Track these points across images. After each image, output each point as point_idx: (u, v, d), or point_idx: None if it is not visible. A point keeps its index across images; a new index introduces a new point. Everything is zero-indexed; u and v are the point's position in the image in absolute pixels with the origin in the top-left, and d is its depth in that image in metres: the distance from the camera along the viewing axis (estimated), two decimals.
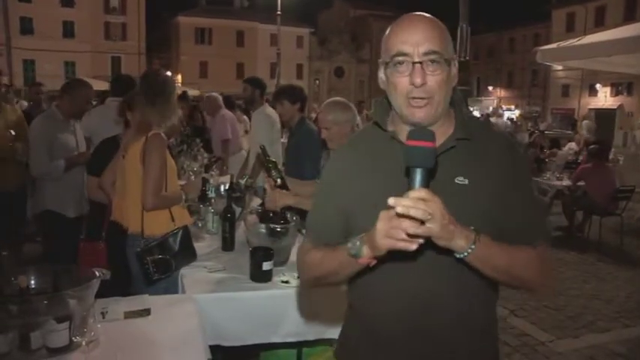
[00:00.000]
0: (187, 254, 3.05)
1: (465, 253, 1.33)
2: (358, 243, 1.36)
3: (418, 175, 1.26)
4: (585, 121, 26.20)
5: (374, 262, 1.37)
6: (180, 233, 3.02)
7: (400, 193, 1.24)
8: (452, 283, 1.49)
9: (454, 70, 1.46)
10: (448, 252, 1.38)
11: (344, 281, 1.58)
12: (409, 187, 1.25)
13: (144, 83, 3.18)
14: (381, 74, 1.51)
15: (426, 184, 1.26)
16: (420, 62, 1.39)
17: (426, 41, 1.40)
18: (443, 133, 1.48)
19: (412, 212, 1.20)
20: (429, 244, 1.29)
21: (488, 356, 1.65)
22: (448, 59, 1.43)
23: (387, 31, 1.48)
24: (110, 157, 3.43)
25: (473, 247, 1.33)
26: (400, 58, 1.41)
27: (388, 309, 1.54)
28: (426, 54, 1.39)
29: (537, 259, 1.48)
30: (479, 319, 1.58)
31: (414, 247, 1.23)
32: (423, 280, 1.48)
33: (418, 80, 1.38)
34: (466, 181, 1.45)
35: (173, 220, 3.06)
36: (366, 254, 1.34)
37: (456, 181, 1.44)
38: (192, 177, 4.08)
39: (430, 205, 1.22)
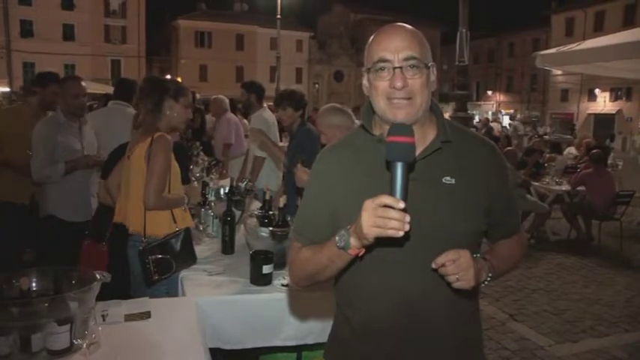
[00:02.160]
0: (188, 257, 3.06)
1: (485, 282, 1.54)
2: (345, 235, 1.41)
3: (399, 169, 1.33)
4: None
5: (363, 251, 1.42)
6: (182, 235, 3.03)
7: (387, 194, 1.32)
8: (440, 282, 1.52)
9: (433, 76, 1.55)
10: (435, 249, 1.46)
11: (334, 275, 1.61)
12: (391, 180, 1.33)
13: (148, 87, 3.20)
14: (365, 81, 1.60)
15: (406, 177, 1.34)
16: (400, 67, 1.48)
17: (406, 48, 1.49)
18: (427, 136, 1.57)
19: (450, 279, 1.41)
20: (416, 242, 1.41)
21: (474, 346, 1.73)
22: (427, 64, 1.51)
23: (370, 40, 1.58)
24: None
25: (490, 275, 1.54)
26: (382, 64, 1.50)
27: (377, 306, 1.58)
28: (405, 59, 1.48)
29: (519, 247, 1.75)
30: (465, 312, 1.64)
31: (401, 233, 1.29)
32: (410, 276, 1.53)
33: (399, 84, 1.47)
34: (453, 181, 1.53)
35: (175, 221, 3.07)
36: (354, 245, 1.39)
37: (444, 180, 1.53)
38: (195, 182, 4.07)
39: (461, 264, 1.40)
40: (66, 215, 4.28)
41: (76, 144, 4.33)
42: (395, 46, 1.48)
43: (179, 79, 38.26)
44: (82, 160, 4.31)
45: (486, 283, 1.54)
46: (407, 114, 1.49)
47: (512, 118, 29.82)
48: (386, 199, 1.28)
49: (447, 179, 1.52)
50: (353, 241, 1.39)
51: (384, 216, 1.28)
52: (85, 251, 3.64)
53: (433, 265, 1.40)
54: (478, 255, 1.53)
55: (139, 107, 3.24)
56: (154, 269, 2.90)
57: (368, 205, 1.31)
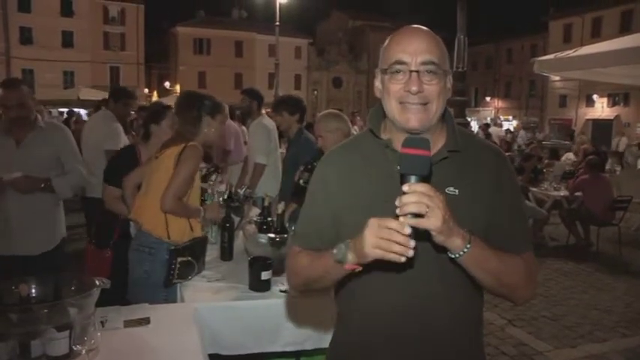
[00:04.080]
0: (201, 265, 3.10)
1: (461, 252, 1.35)
2: (344, 248, 1.37)
3: (413, 182, 1.28)
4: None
5: (359, 268, 1.38)
6: (202, 242, 3.12)
7: (392, 200, 1.27)
8: (441, 289, 1.51)
9: (449, 83, 1.50)
10: (437, 259, 1.43)
11: (331, 285, 1.59)
12: (403, 194, 1.27)
13: (186, 101, 3.27)
14: (377, 82, 1.54)
15: None
16: (417, 71, 1.42)
17: (425, 52, 1.43)
18: (435, 145, 1.50)
19: (414, 208, 1.23)
20: (420, 249, 1.30)
21: (475, 356, 1.67)
22: (445, 71, 1.46)
23: (387, 41, 1.52)
24: (127, 166, 3.47)
25: (468, 246, 1.35)
26: (398, 67, 1.44)
27: (378, 316, 1.56)
28: (423, 64, 1.43)
29: (525, 267, 1.51)
30: (467, 325, 1.60)
31: (403, 259, 1.24)
32: (410, 287, 1.50)
33: (414, 88, 1.41)
34: (456, 192, 1.47)
35: (192, 229, 3.11)
36: (351, 260, 1.36)
37: (447, 191, 1.45)
38: (219, 199, 4.02)
39: (433, 200, 1.25)
40: None
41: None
42: (414, 49, 1.43)
43: (178, 87, 38.27)
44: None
45: (461, 254, 1.35)
46: (420, 120, 1.44)
47: (524, 127, 29.47)
48: (393, 224, 1.23)
49: (451, 190, 1.46)
50: (350, 257, 1.35)
51: (388, 238, 1.23)
52: (89, 256, 3.65)
53: (405, 188, 1.26)
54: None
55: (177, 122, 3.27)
56: (177, 272, 2.94)
57: (372, 223, 1.26)
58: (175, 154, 3.02)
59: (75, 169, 3.74)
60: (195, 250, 3.02)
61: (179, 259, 2.93)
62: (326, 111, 3.94)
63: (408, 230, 1.22)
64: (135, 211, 3.18)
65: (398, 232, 1.23)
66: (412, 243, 1.23)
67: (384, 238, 1.24)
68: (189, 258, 2.97)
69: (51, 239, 3.70)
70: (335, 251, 1.39)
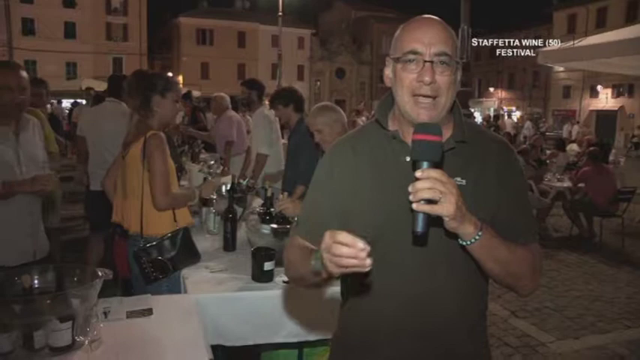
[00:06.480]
0: (189, 255, 3.05)
1: (473, 240, 1.35)
2: (319, 258, 1.29)
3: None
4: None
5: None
6: (180, 235, 3.02)
7: (398, 191, 1.27)
8: (447, 281, 1.51)
9: (458, 75, 1.49)
10: (442, 251, 1.44)
11: (326, 284, 1.55)
12: (415, 180, 1.26)
13: (136, 82, 3.15)
14: (389, 71, 1.54)
15: None
16: (431, 61, 1.42)
17: (439, 42, 1.43)
18: (443, 135, 1.48)
19: (427, 194, 1.22)
20: (430, 237, 1.30)
21: (481, 352, 1.66)
22: (457, 62, 1.47)
23: (400, 29, 1.52)
24: None
25: (480, 233, 1.35)
26: (412, 56, 1.44)
27: (383, 308, 1.55)
28: (437, 54, 1.43)
29: (531, 257, 1.51)
30: (472, 316, 1.60)
31: (367, 268, 1.17)
32: (416, 278, 1.50)
33: (427, 78, 1.41)
34: (464, 182, 1.47)
35: (176, 220, 3.05)
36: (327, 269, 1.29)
37: (454, 181, 1.43)
38: (210, 177, 4.01)
39: (446, 185, 1.24)
40: None
41: (7, 155, 2.88)
42: (428, 39, 1.43)
43: (181, 77, 38.19)
44: (28, 184, 2.85)
45: (472, 241, 1.35)
46: (430, 116, 1.44)
47: (530, 119, 29.10)
48: (343, 238, 1.17)
49: (458, 180, 1.45)
50: (324, 267, 1.29)
51: (339, 254, 1.17)
52: (117, 249, 3.61)
53: (418, 174, 1.24)
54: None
55: (129, 103, 3.21)
56: (152, 269, 2.91)
57: (325, 239, 1.21)
58: (139, 154, 2.94)
59: (47, 165, 3.14)
60: (165, 247, 2.95)
61: (146, 259, 2.89)
62: (319, 104, 3.81)
63: (360, 245, 1.15)
64: (116, 213, 3.16)
65: (347, 245, 1.17)
66: (363, 254, 1.15)
67: (335, 254, 1.18)
68: (159, 257, 2.91)
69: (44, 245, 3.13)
70: (313, 262, 1.35)
